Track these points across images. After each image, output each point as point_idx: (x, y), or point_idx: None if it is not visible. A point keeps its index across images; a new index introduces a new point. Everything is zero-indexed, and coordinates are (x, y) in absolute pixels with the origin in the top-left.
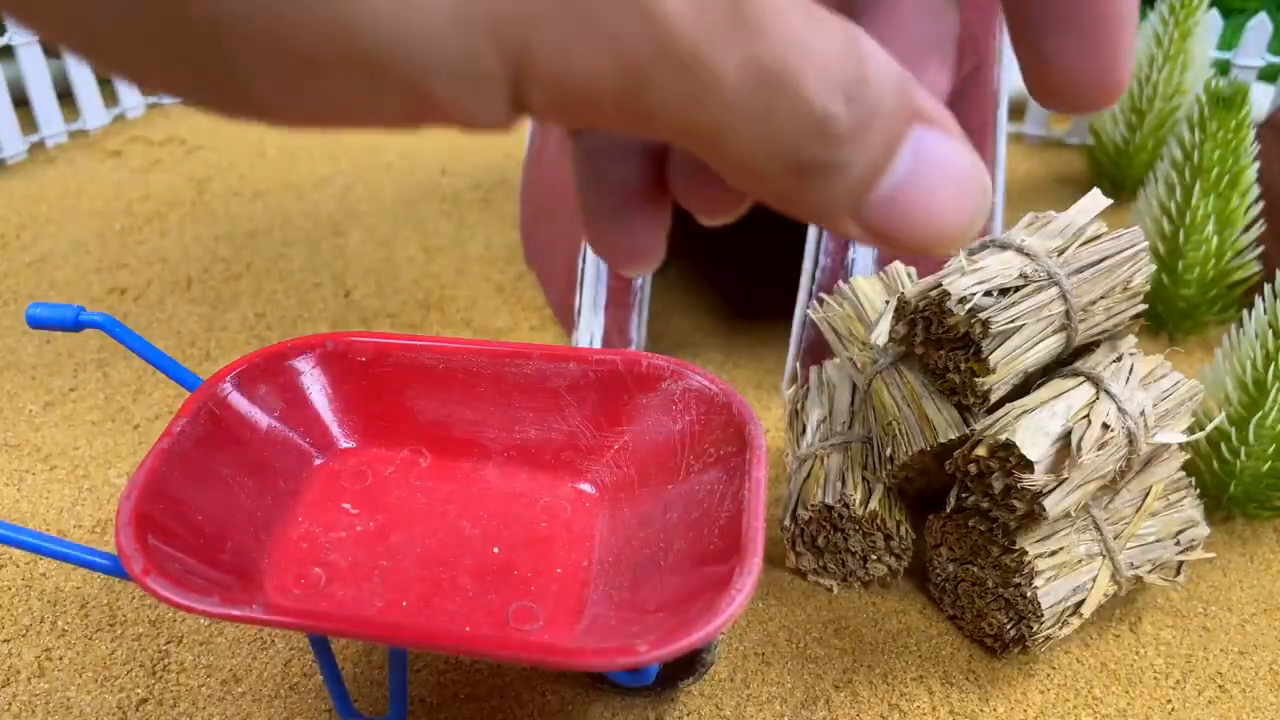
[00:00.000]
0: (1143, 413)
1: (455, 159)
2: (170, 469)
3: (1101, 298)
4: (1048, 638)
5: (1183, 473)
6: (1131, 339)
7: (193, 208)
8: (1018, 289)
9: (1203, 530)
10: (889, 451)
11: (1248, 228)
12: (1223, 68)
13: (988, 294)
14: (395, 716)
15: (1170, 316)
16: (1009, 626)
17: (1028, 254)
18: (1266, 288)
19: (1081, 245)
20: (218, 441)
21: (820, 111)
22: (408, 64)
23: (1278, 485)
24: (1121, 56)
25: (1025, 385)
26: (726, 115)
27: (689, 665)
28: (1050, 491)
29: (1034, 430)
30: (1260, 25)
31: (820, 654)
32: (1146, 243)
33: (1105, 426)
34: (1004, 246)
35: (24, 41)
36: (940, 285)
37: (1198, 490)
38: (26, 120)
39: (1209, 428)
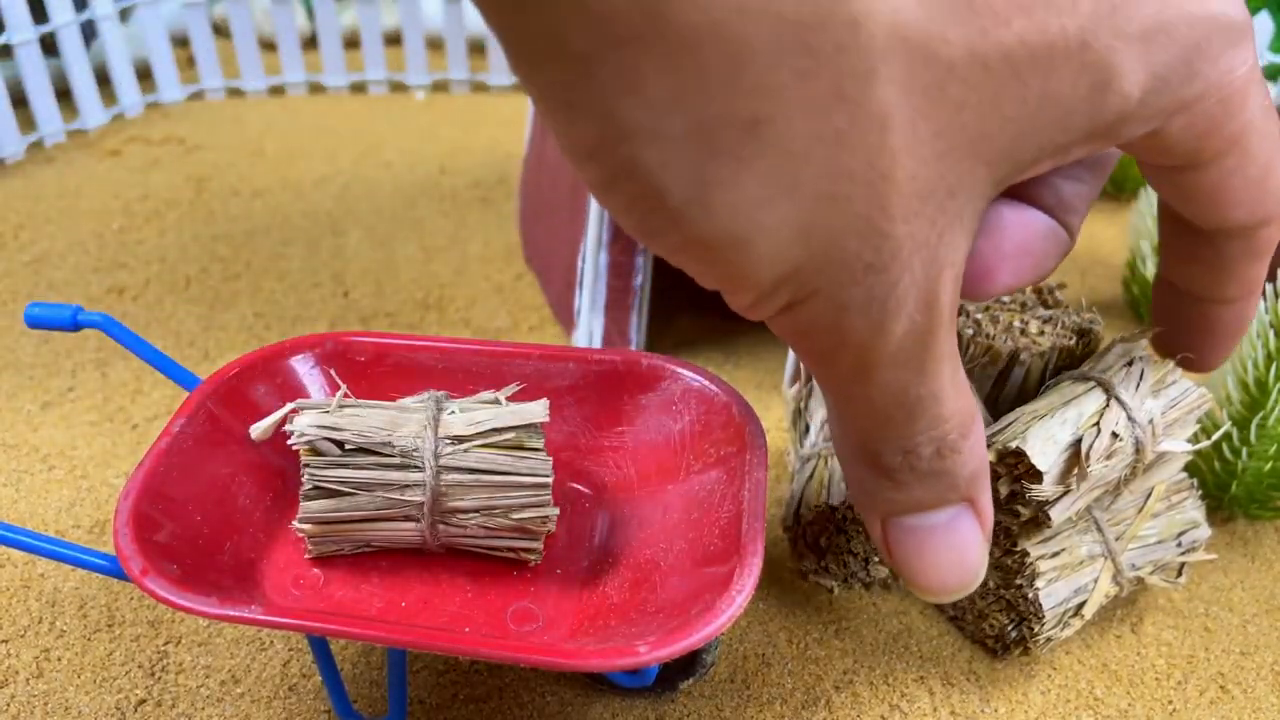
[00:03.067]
0: (1151, 421)
1: (454, 158)
2: (169, 469)
3: None
4: (1049, 639)
5: (1184, 473)
6: (1144, 342)
7: (191, 207)
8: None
9: (1204, 531)
10: None
11: None
12: None
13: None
14: (394, 717)
15: None
16: (1010, 628)
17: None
18: (1267, 287)
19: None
20: (216, 441)
21: (914, 443)
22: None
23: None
24: (1221, 358)
25: (1031, 389)
26: (862, 396)
27: (689, 666)
28: (1057, 500)
29: (1044, 439)
30: (1262, 25)
31: (821, 655)
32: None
33: (1114, 435)
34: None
35: (22, 41)
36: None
37: (1199, 491)
38: (25, 119)
39: (1214, 437)
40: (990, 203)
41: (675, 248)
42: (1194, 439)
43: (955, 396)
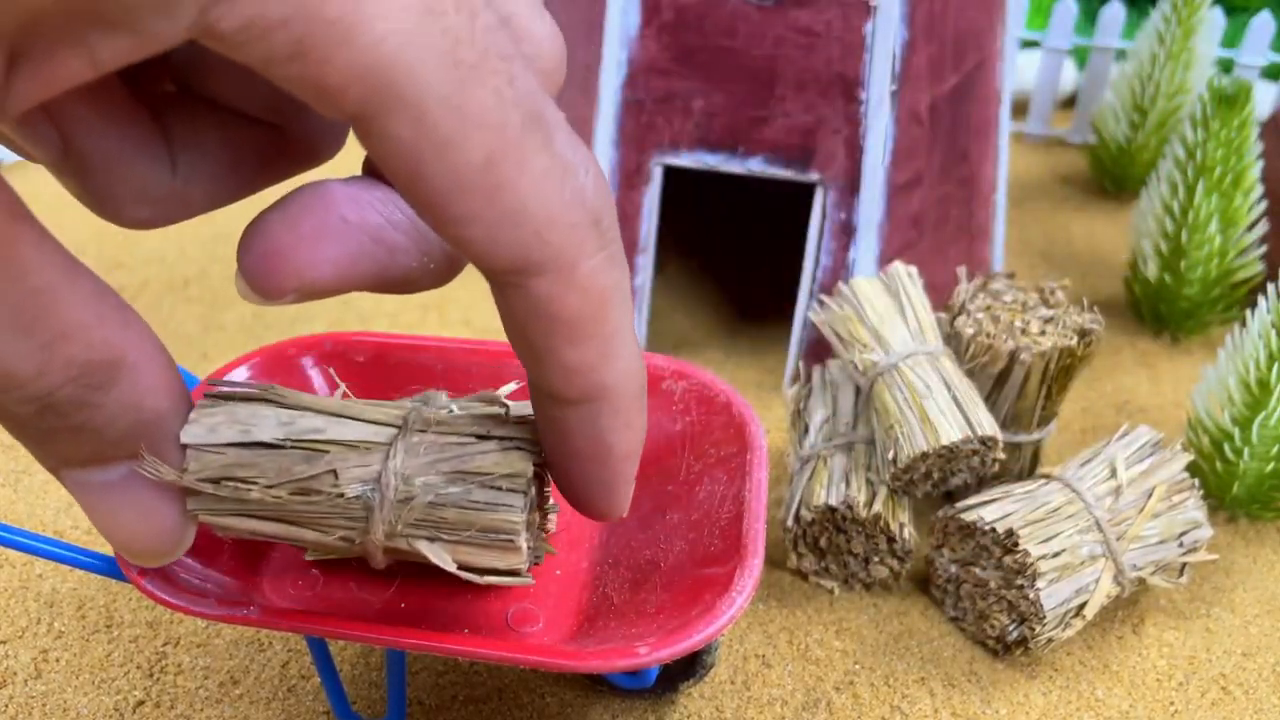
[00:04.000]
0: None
1: None
2: None
3: None
4: (1050, 639)
5: (1186, 474)
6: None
7: None
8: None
9: (1206, 531)
10: (891, 454)
11: (1251, 226)
12: (1226, 66)
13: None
14: (393, 718)
15: (1173, 316)
16: (1011, 628)
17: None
18: (1270, 287)
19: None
20: None
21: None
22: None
23: None
24: (609, 502)
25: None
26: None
27: (689, 667)
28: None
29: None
30: (1263, 23)
31: (821, 656)
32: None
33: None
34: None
35: None
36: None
37: (1201, 491)
38: None
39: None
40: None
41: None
42: (1191, 442)
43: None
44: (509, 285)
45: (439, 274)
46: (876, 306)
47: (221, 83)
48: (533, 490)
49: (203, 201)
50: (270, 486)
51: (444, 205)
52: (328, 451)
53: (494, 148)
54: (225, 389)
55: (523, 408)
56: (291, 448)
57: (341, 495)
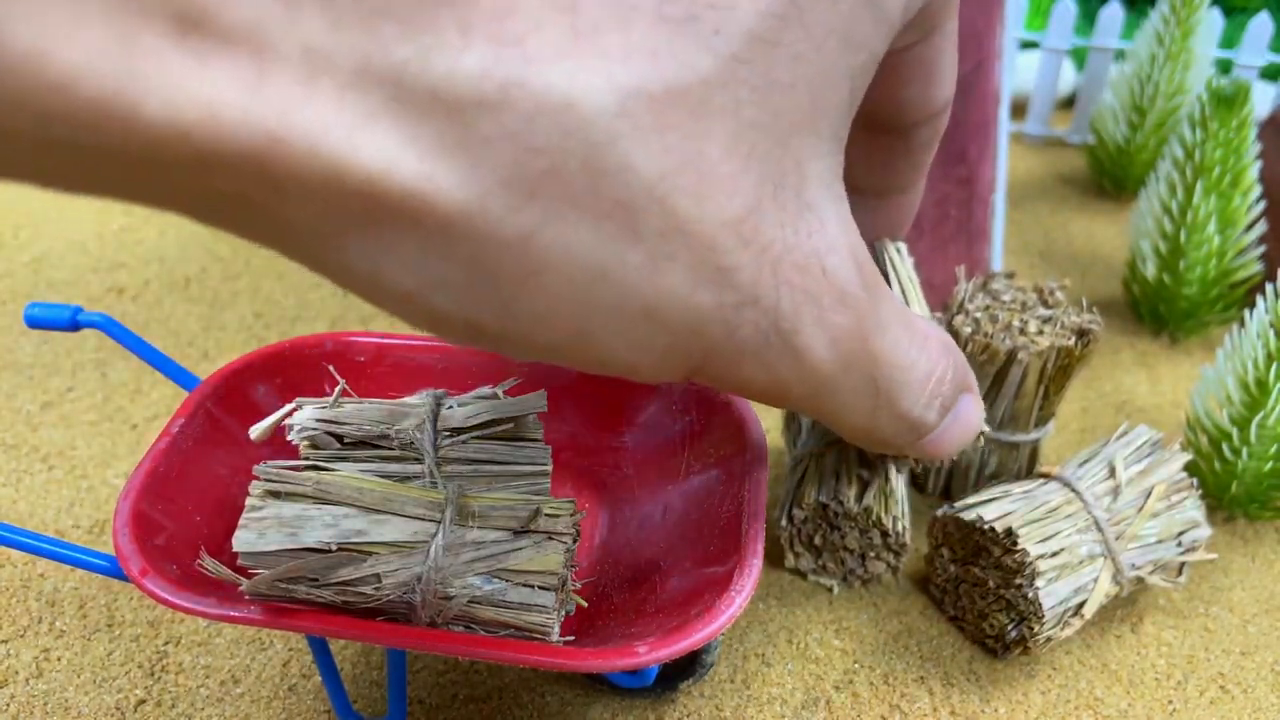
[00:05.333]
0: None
1: None
2: (168, 469)
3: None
4: (1049, 639)
5: (1184, 473)
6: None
7: None
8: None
9: (1204, 531)
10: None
11: (1249, 227)
12: (1224, 66)
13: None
14: (394, 717)
15: (1172, 316)
16: (1010, 627)
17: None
18: (1268, 287)
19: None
20: (216, 441)
21: (916, 419)
22: (628, 370)
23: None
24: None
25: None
26: (838, 407)
27: (689, 666)
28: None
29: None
30: (1262, 24)
31: (820, 655)
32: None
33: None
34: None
35: None
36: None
37: (1199, 491)
38: None
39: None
40: (847, 128)
41: (545, 356)
42: (1190, 441)
43: (919, 351)
44: (931, 121)
45: None
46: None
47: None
48: (566, 566)
49: None
50: (318, 587)
51: None
52: (371, 554)
53: None
54: (274, 481)
55: (519, 402)
56: (337, 550)
57: (386, 596)
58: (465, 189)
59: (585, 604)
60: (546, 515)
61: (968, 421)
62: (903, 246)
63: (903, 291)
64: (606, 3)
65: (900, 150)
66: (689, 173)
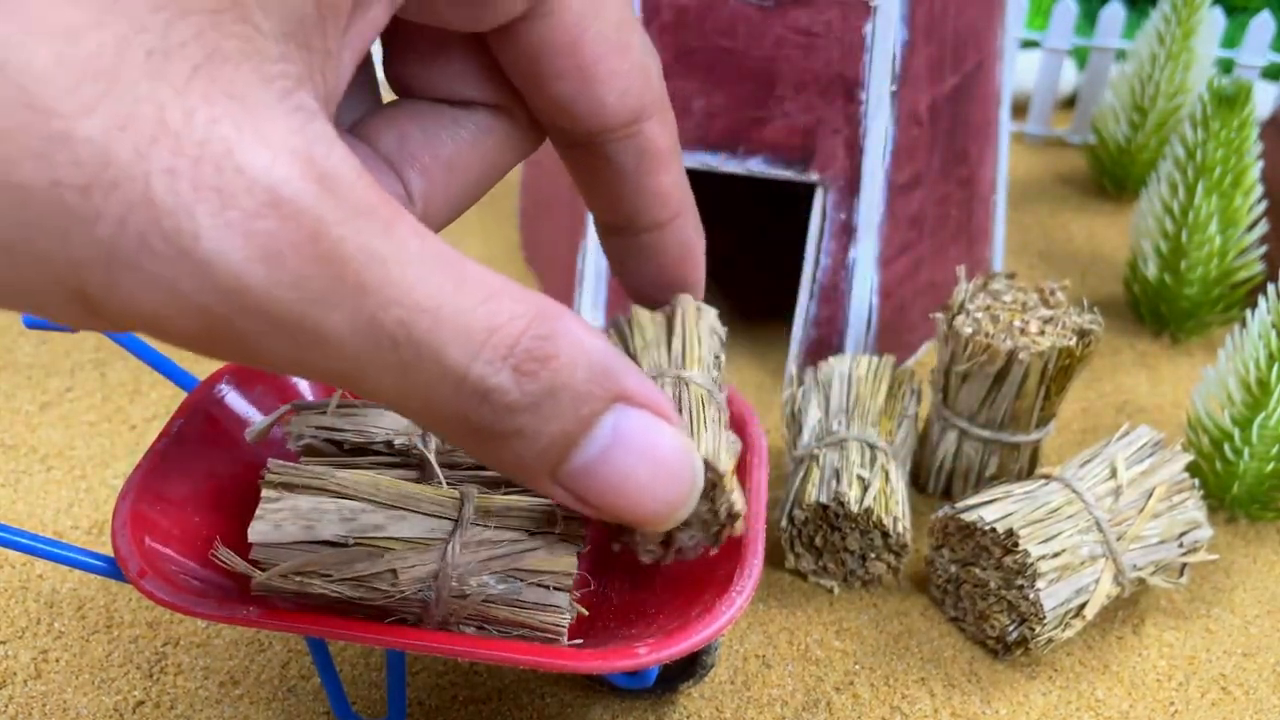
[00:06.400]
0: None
1: None
2: (167, 470)
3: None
4: (1050, 640)
5: (1186, 474)
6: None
7: None
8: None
9: (1206, 531)
10: None
11: (1251, 227)
12: (1226, 66)
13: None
14: (394, 719)
15: (1173, 316)
16: (1011, 629)
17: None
18: (1270, 287)
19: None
20: (215, 442)
21: (476, 379)
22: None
23: None
24: (698, 289)
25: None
26: (350, 366)
27: (689, 667)
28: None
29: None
30: (1263, 23)
31: (821, 656)
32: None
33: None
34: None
35: None
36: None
37: (1201, 491)
38: None
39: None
40: (320, 37)
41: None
42: (1191, 442)
43: (486, 305)
44: (624, 138)
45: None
46: (646, 335)
47: (448, 65)
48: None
49: (442, 216)
50: (333, 582)
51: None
52: (388, 549)
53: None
54: (289, 476)
55: None
56: (354, 545)
57: (401, 593)
58: None
59: (585, 612)
60: (564, 517)
61: (648, 453)
62: (705, 307)
63: (684, 342)
64: None
65: (604, 171)
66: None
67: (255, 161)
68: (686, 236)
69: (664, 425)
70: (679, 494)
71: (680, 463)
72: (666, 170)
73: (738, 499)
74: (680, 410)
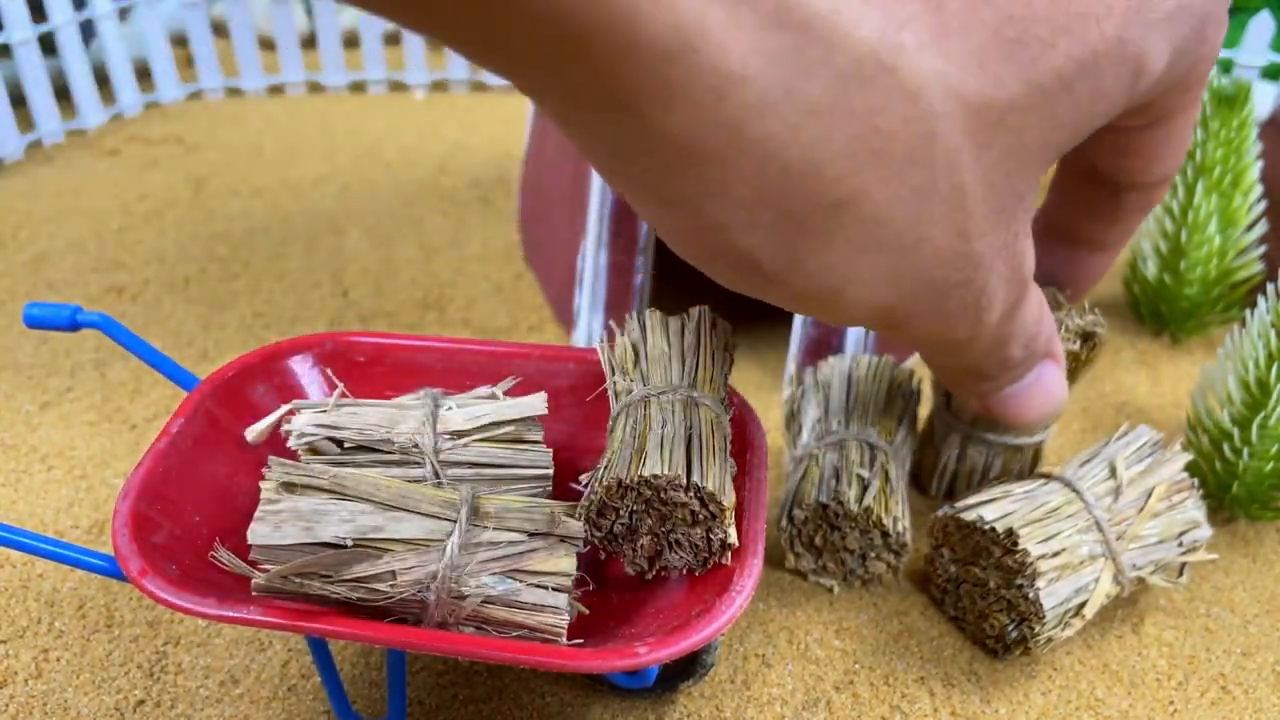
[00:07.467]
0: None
1: (454, 158)
2: (167, 469)
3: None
4: (1050, 639)
5: (1185, 473)
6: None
7: (190, 207)
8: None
9: (1205, 531)
10: (585, 480)
11: (1250, 226)
12: (1225, 66)
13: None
14: (394, 718)
15: (1173, 316)
16: (1011, 628)
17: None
18: (1269, 287)
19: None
20: (215, 441)
21: (1009, 356)
22: (856, 303)
23: None
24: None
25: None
26: (970, 357)
27: (689, 667)
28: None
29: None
30: (1263, 23)
31: (821, 655)
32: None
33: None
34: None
35: (21, 40)
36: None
37: (1200, 491)
38: (23, 119)
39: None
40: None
41: (777, 300)
42: (1190, 442)
43: (1035, 311)
44: (1149, 189)
45: None
46: (658, 341)
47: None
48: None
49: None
50: (332, 583)
51: None
52: (387, 550)
53: None
54: (291, 475)
55: (520, 405)
56: (353, 546)
57: (400, 593)
58: (815, 147)
59: (586, 611)
60: (565, 518)
61: (1049, 390)
62: (719, 321)
63: (695, 373)
64: (963, 9)
65: (1106, 207)
66: (979, 176)
67: (1029, 265)
68: (1112, 260)
69: (1062, 376)
70: (1051, 416)
71: (1060, 399)
72: (1144, 214)
73: (732, 533)
74: (690, 435)
